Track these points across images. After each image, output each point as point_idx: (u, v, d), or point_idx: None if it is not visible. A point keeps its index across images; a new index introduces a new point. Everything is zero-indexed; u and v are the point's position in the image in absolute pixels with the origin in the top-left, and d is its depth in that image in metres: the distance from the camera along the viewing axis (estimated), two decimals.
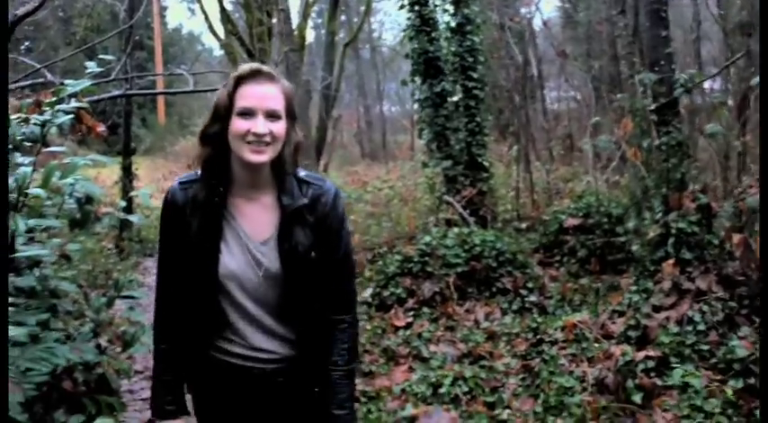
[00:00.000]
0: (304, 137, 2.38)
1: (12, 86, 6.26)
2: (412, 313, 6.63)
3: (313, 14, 29.93)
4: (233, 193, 2.21)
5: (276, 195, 2.22)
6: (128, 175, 11.79)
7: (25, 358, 2.79)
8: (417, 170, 13.06)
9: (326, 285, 2.27)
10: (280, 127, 2.11)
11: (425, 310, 6.65)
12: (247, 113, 2.09)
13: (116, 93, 7.75)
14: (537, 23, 23.08)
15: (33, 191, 2.85)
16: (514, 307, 6.64)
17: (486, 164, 9.69)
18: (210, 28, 20.54)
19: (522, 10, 19.79)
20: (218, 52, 35.20)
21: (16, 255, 2.82)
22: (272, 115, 2.10)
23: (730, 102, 7.54)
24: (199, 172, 2.22)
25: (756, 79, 6.01)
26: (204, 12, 20.64)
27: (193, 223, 2.18)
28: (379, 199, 13.06)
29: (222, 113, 2.12)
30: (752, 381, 4.32)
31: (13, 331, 2.50)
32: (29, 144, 3.30)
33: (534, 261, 7.84)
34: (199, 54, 39.81)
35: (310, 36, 35.68)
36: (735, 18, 12.03)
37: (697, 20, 13.34)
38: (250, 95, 2.10)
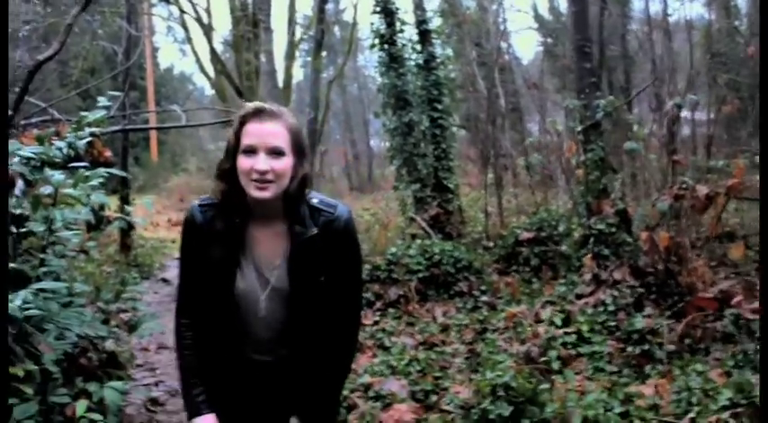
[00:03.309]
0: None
1: (23, 122, 7.20)
2: (379, 313, 7.57)
3: (302, 53, 31.09)
4: (249, 223, 2.35)
5: (288, 224, 2.33)
6: (125, 204, 12.61)
7: (62, 317, 3.71)
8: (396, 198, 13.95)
9: (333, 306, 2.40)
10: (282, 164, 2.19)
11: (391, 310, 7.60)
12: (250, 151, 2.18)
13: (116, 127, 8.68)
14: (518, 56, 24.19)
15: (66, 191, 3.78)
16: (468, 306, 7.58)
17: (451, 186, 10.66)
18: (201, 68, 21.51)
19: (503, 44, 20.84)
20: (209, 91, 36.23)
21: (58, 236, 3.76)
22: (274, 152, 2.18)
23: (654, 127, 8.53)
24: (214, 199, 2.36)
25: (671, 103, 7.02)
26: (195, 52, 21.72)
27: (213, 249, 2.33)
28: (360, 225, 13.95)
29: (231, 151, 2.23)
30: (646, 347, 5.28)
31: (54, 285, 3.42)
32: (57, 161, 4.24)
33: (491, 269, 8.78)
34: (190, 93, 40.80)
35: (299, 74, 36.74)
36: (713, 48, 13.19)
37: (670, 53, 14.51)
38: (252, 134, 2.18)
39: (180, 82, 44.07)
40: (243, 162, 2.18)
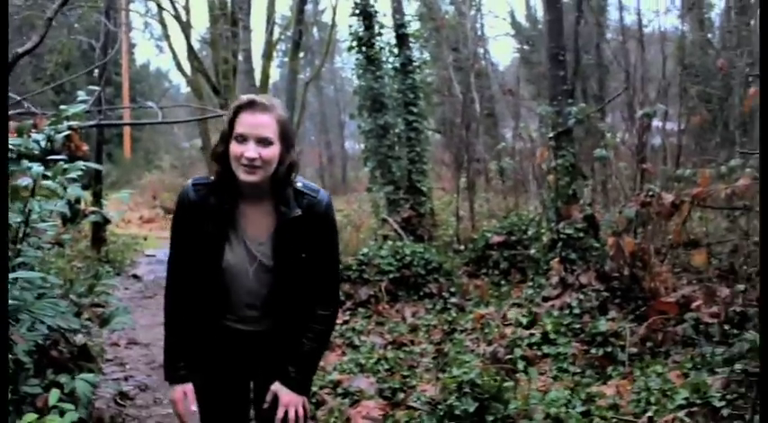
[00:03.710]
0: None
1: None
2: (349, 313, 7.66)
3: (280, 53, 31.07)
4: (240, 202, 2.55)
5: (275, 205, 2.54)
6: (98, 200, 12.56)
7: (36, 308, 3.76)
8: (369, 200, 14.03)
9: (313, 282, 2.60)
10: (270, 152, 2.40)
11: (361, 310, 7.71)
12: (241, 139, 2.38)
13: (92, 122, 8.66)
14: (494, 62, 24.36)
15: (44, 183, 3.83)
16: (438, 307, 7.70)
17: (424, 189, 10.80)
18: (178, 65, 21.45)
19: (479, 50, 20.98)
20: (185, 89, 36.00)
21: (35, 227, 3.81)
22: (262, 141, 2.38)
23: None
24: (211, 178, 2.58)
25: (640, 112, 7.18)
26: (172, 49, 21.53)
27: (205, 224, 2.54)
28: None
29: (225, 137, 2.45)
30: (609, 349, 5.44)
31: (30, 275, 3.47)
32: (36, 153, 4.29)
33: (461, 272, 8.91)
34: (166, 90, 40.55)
35: (276, 74, 36.66)
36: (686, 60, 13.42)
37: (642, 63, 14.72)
38: (244, 123, 2.39)
39: (156, 79, 43.76)
40: (234, 148, 2.40)
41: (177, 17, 18.59)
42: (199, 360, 2.70)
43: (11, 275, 3.37)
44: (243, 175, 2.41)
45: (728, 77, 12.23)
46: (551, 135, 7.31)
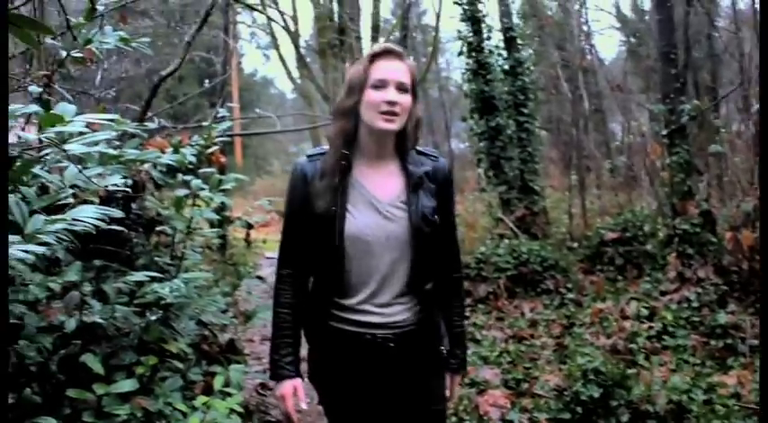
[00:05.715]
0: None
1: (132, 130, 7.81)
2: (469, 309, 7.96)
3: None
4: (359, 161, 2.39)
5: (399, 164, 2.40)
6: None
7: (200, 304, 4.23)
8: (481, 200, 14.23)
9: (443, 248, 2.44)
10: (407, 100, 2.30)
11: (480, 306, 8.00)
12: (381, 85, 2.27)
13: (219, 133, 9.25)
14: (601, 57, 24.07)
15: (203, 193, 4.30)
16: (555, 303, 7.91)
17: (537, 188, 10.96)
18: (288, 74, 22.19)
19: (586, 46, 20.81)
20: (291, 96, 36.97)
21: (198, 232, 4.29)
22: (401, 88, 2.28)
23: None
24: (326, 147, 2.44)
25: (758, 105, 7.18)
26: (282, 59, 22.28)
27: (321, 189, 2.34)
28: None
29: (357, 87, 2.31)
30: (729, 341, 5.56)
31: (198, 275, 3.93)
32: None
33: (576, 268, 9.07)
34: (279, 102, 41.64)
35: None
36: None
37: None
38: (383, 69, 2.28)
39: (262, 87, 44.95)
40: (373, 95, 2.28)
41: (286, 28, 19.23)
42: (314, 366, 2.53)
43: (184, 275, 3.83)
44: (382, 123, 2.28)
45: None
46: (664, 133, 7.42)
